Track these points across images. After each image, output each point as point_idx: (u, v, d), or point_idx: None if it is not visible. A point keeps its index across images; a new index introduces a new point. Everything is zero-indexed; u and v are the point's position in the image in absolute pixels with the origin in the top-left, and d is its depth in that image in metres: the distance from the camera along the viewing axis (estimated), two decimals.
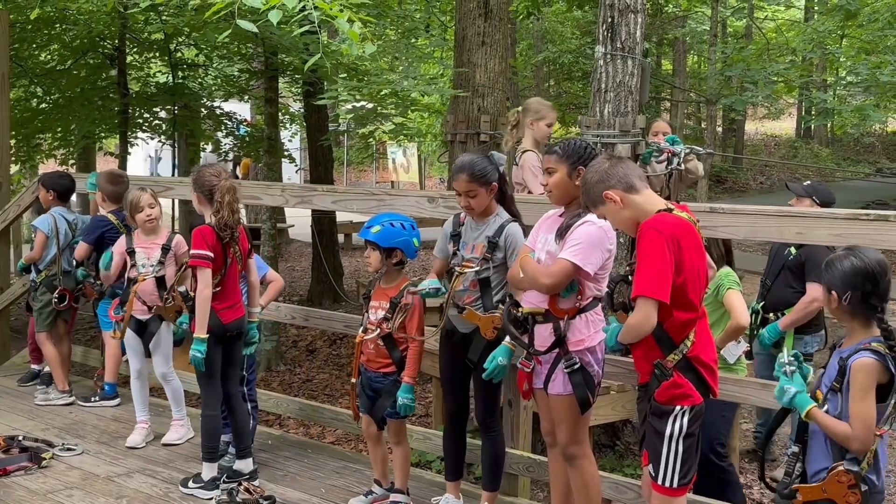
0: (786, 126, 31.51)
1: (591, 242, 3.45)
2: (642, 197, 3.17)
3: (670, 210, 3.12)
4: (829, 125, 25.21)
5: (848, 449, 2.93)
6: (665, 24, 18.50)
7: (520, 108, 5.43)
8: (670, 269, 3.01)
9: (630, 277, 3.26)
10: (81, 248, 5.79)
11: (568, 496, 3.84)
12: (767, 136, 30.69)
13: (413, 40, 11.04)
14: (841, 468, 2.92)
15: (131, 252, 5.26)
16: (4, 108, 7.34)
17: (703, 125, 21.35)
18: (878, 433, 2.94)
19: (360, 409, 4.31)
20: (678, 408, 3.10)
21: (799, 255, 5.46)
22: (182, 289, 4.62)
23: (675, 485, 3.13)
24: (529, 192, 5.16)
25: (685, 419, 3.09)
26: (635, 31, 5.81)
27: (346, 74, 9.76)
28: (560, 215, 3.69)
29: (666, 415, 3.11)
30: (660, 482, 3.15)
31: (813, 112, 22.90)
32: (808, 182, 5.85)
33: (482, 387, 4.00)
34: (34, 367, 6.57)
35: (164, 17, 9.41)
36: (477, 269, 3.94)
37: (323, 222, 12.14)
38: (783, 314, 5.53)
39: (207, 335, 4.37)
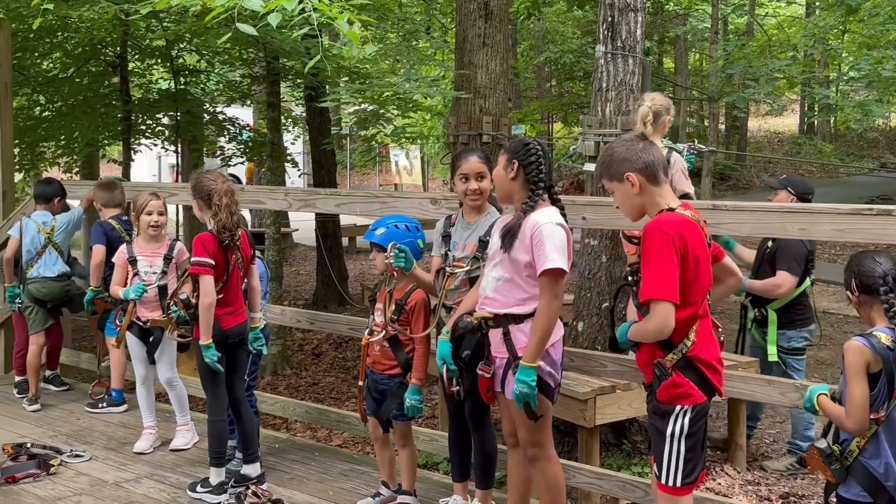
0: (789, 122, 31.47)
1: (560, 242, 3.44)
2: (659, 190, 3.15)
3: (673, 209, 3.11)
4: (832, 121, 25.18)
5: (844, 430, 3.06)
6: (666, 23, 18.50)
7: (650, 107, 5.16)
8: (677, 269, 3.00)
9: (629, 279, 3.25)
10: (96, 253, 5.78)
11: (525, 496, 3.89)
12: (770, 132, 30.66)
13: (414, 42, 11.05)
14: (813, 446, 3.14)
15: (133, 261, 5.27)
16: (8, 117, 7.35)
17: (705, 123, 21.37)
18: (874, 417, 3.01)
19: (366, 411, 4.32)
20: (679, 407, 3.08)
21: (773, 248, 5.52)
22: (183, 296, 4.62)
23: (678, 484, 3.12)
24: (685, 194, 5.12)
25: (686, 419, 3.08)
26: (636, 30, 5.81)
27: (347, 77, 9.77)
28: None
29: (667, 414, 3.10)
30: (663, 481, 3.15)
31: (815, 108, 22.86)
32: (784, 175, 5.90)
33: (472, 385, 3.99)
34: (18, 378, 6.53)
35: (165, 24, 9.43)
36: (468, 268, 3.95)
37: (327, 226, 12.15)
38: (765, 311, 5.64)
39: (211, 341, 4.38)
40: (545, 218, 3.47)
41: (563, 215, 3.60)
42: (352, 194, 5.75)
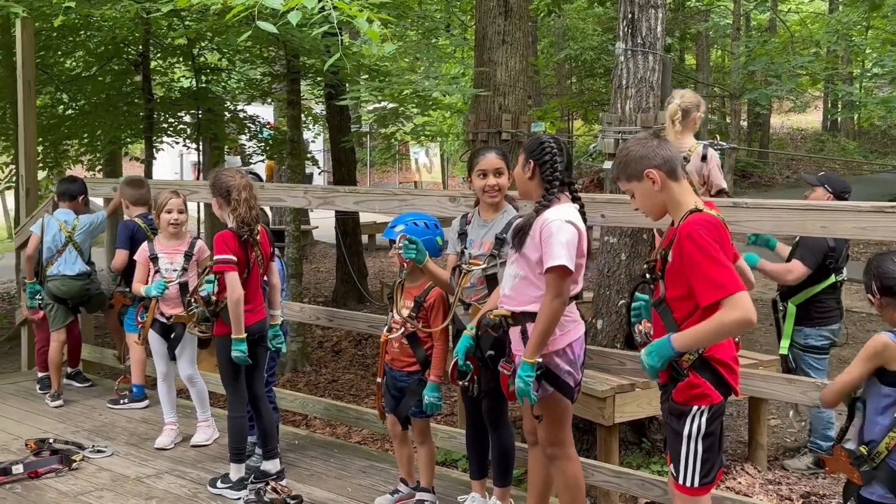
0: (812, 119, 31.18)
1: (569, 240, 3.40)
2: (679, 187, 3.11)
3: (699, 209, 3.06)
4: (855, 118, 24.94)
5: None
6: (688, 19, 18.39)
7: (679, 104, 5.20)
8: (729, 261, 2.95)
9: (647, 276, 3.22)
10: (118, 257, 5.85)
11: (545, 493, 3.88)
12: (793, 129, 30.38)
13: (434, 40, 11.05)
14: (840, 447, 3.13)
15: (154, 258, 5.31)
16: (32, 115, 7.43)
17: (727, 120, 21.22)
18: None
19: (385, 408, 4.33)
20: (696, 408, 3.05)
21: (798, 240, 5.53)
22: (204, 293, 4.65)
23: (695, 484, 3.10)
24: (721, 190, 5.13)
25: (703, 419, 3.05)
26: (656, 27, 5.78)
27: (367, 75, 9.79)
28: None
29: (684, 415, 3.07)
30: (680, 482, 3.13)
31: (839, 105, 22.65)
32: (822, 172, 5.84)
33: (490, 383, 3.98)
34: (41, 374, 6.60)
35: (186, 23, 9.48)
36: (484, 266, 3.95)
37: (347, 223, 12.18)
38: (786, 304, 5.64)
39: (244, 336, 4.40)
40: (555, 215, 3.44)
41: (583, 212, 3.57)
42: (370, 192, 5.76)
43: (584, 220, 3.57)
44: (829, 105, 26.65)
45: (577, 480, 3.69)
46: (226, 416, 4.72)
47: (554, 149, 3.56)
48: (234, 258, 4.38)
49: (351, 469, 4.91)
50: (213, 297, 4.54)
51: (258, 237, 4.55)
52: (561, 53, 18.21)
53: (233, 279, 4.37)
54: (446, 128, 18.23)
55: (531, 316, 3.51)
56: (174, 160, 20.82)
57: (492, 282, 3.92)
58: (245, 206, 4.43)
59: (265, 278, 4.70)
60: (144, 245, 5.40)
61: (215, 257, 4.45)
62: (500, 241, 3.90)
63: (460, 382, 3.83)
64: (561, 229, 3.41)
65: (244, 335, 4.38)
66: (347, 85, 10.39)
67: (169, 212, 5.28)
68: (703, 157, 5.24)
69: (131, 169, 14.17)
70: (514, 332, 3.58)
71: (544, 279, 3.45)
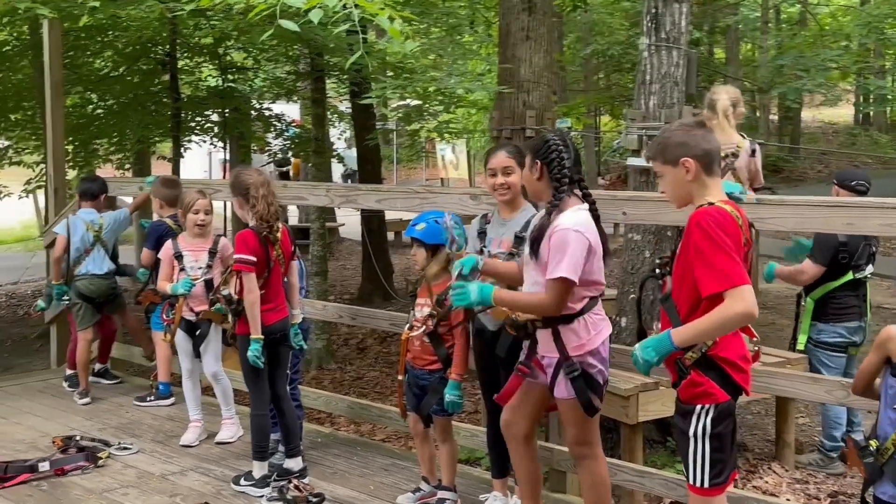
0: (843, 113, 30.74)
1: (574, 250, 3.36)
2: (711, 182, 3.07)
3: (713, 203, 3.02)
4: (887, 111, 24.57)
5: None
6: (716, 12, 18.18)
7: (727, 99, 5.29)
8: (736, 254, 2.90)
9: (657, 271, 3.19)
10: (145, 255, 5.91)
11: (536, 486, 3.86)
12: (825, 123, 29.98)
13: (457, 37, 11.02)
14: (850, 437, 3.16)
15: (179, 256, 5.35)
16: (59, 115, 7.51)
17: (756, 114, 20.99)
18: None
19: (406, 406, 4.33)
20: (699, 407, 3.02)
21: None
22: (226, 292, 4.68)
23: (705, 485, 3.06)
24: (763, 186, 5.18)
25: (708, 419, 3.01)
26: (680, 22, 5.73)
27: (391, 73, 9.79)
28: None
29: (689, 414, 3.04)
30: (691, 482, 3.10)
31: (870, 99, 22.33)
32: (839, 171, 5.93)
33: (503, 380, 3.96)
34: (69, 371, 6.68)
35: (212, 22, 9.54)
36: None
37: (372, 221, 12.20)
38: (803, 300, 5.67)
39: (261, 336, 4.42)
40: (566, 223, 3.40)
41: (595, 210, 3.53)
42: (392, 190, 5.77)
43: (598, 220, 3.52)
44: (861, 99, 26.29)
45: (604, 480, 3.68)
46: (249, 415, 4.74)
47: (560, 146, 3.51)
48: (253, 258, 4.40)
49: (373, 467, 4.92)
50: (235, 296, 4.57)
51: (279, 234, 4.56)
52: (588, 49, 18.08)
53: (250, 280, 4.40)
54: (472, 125, 18.20)
55: (563, 318, 3.47)
56: (203, 158, 20.96)
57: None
58: (263, 203, 4.45)
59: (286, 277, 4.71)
60: (168, 243, 5.44)
61: (235, 256, 4.48)
62: (520, 239, 3.88)
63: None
64: (567, 238, 3.36)
65: (260, 336, 4.40)
66: (372, 83, 10.40)
67: (196, 212, 5.31)
68: (753, 153, 5.33)
69: (160, 167, 14.28)
70: (545, 335, 3.54)
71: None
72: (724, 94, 5.29)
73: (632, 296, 5.68)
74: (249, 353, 4.41)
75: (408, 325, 4.25)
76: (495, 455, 4.24)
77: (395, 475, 4.78)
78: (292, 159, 15.63)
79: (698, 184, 3.05)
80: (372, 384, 8.51)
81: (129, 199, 7.57)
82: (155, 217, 6.07)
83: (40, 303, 6.50)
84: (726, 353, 3.03)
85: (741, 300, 2.85)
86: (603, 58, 18.78)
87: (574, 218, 3.43)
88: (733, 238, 2.94)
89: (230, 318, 4.68)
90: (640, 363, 3.02)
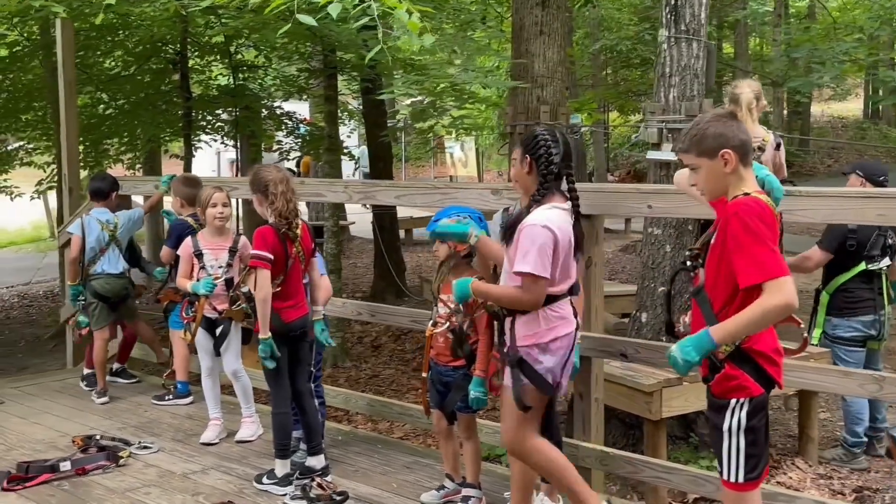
0: (853, 107, 30.64)
1: (542, 247, 3.37)
2: (747, 173, 3.02)
3: (748, 194, 2.98)
4: None
5: None
6: (726, 6, 18.11)
7: (751, 92, 5.30)
8: (775, 244, 2.87)
9: (689, 263, 3.15)
10: (165, 252, 5.89)
11: (526, 489, 3.83)
12: (834, 117, 29.88)
13: (470, 33, 10.99)
14: (888, 433, 2.99)
15: (199, 254, 5.33)
16: (73, 115, 7.50)
17: (769, 108, 20.89)
18: None
19: (430, 403, 4.29)
20: (734, 401, 2.97)
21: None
22: (245, 289, 4.65)
23: (740, 480, 3.01)
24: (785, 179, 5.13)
25: (743, 412, 2.96)
26: (700, 13, 5.68)
27: (403, 69, 9.76)
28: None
29: (723, 408, 2.99)
30: (725, 477, 3.05)
31: (881, 92, 22.21)
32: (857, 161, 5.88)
33: None
34: (87, 370, 6.65)
35: (223, 20, 9.52)
36: None
37: (384, 218, 12.17)
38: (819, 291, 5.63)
39: (270, 335, 4.39)
40: (535, 218, 3.41)
41: (577, 208, 3.55)
42: (411, 186, 5.73)
43: (578, 218, 3.55)
44: (871, 92, 26.16)
45: (554, 464, 3.65)
46: (269, 413, 4.71)
47: (548, 140, 3.50)
48: (270, 255, 4.37)
49: (395, 465, 4.89)
50: (254, 293, 4.54)
51: (298, 231, 4.53)
52: (597, 44, 18.03)
53: (263, 277, 4.37)
54: (482, 121, 18.16)
55: (520, 310, 3.51)
56: (211, 158, 21.00)
57: None
58: (282, 200, 4.43)
59: (307, 274, 4.68)
60: (188, 241, 5.41)
61: (251, 252, 4.45)
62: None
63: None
64: (533, 234, 3.38)
65: (269, 335, 4.37)
66: (384, 80, 10.37)
67: (214, 206, 5.29)
68: (777, 146, 5.33)
69: (171, 167, 14.28)
70: (507, 323, 3.59)
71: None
72: (747, 88, 5.28)
73: (661, 289, 5.63)
74: (259, 353, 4.37)
75: (431, 322, 4.21)
76: None
77: (417, 473, 4.75)
78: (304, 157, 15.58)
79: (736, 176, 3.00)
80: (388, 382, 8.48)
81: (141, 199, 7.55)
82: (175, 215, 6.03)
83: (82, 318, 6.37)
84: (760, 345, 2.98)
85: (780, 291, 2.81)
86: (611, 53, 18.72)
87: (546, 214, 3.43)
88: (772, 229, 2.90)
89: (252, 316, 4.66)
90: (680, 364, 2.93)
